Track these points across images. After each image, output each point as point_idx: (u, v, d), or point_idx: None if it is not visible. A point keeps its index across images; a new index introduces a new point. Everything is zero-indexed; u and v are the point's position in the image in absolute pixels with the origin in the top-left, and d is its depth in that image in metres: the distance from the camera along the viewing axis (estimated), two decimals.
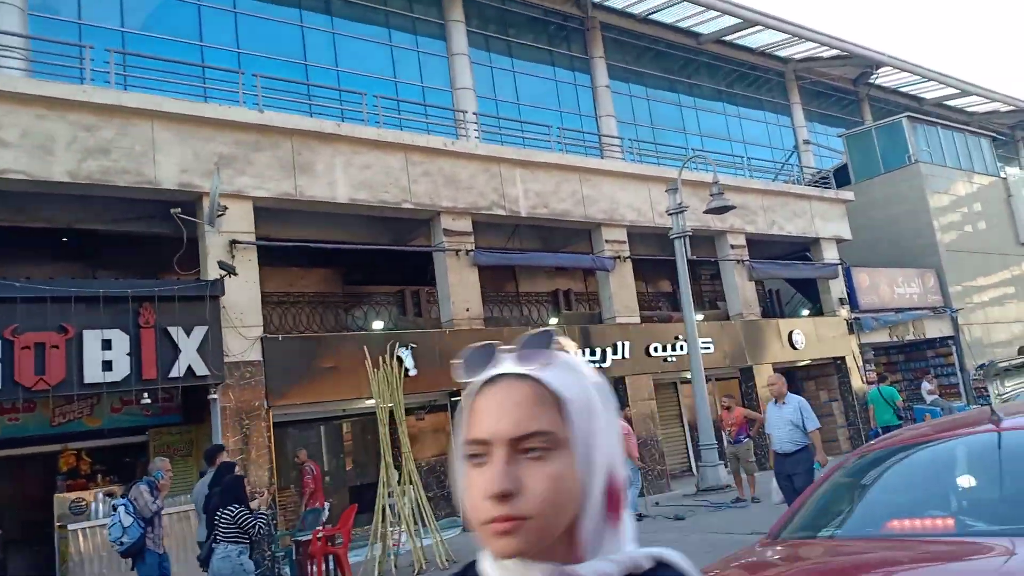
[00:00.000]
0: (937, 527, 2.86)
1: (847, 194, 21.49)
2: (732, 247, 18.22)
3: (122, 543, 7.82)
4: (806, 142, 33.20)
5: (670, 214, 14.80)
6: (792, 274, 20.15)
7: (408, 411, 14.63)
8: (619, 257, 16.02)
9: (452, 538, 12.71)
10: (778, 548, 3.16)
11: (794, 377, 20.99)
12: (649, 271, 19.77)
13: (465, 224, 13.93)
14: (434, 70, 22.01)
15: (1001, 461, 3.03)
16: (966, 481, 3.17)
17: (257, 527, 7.14)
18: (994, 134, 30.63)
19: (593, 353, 14.96)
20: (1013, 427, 3.17)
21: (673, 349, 16.19)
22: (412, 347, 12.60)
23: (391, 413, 10.58)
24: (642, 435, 15.33)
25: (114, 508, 8.09)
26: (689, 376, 18.54)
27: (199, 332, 10.70)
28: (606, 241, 16.06)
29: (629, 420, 12.37)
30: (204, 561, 7.49)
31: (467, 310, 13.59)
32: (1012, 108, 39.20)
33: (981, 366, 9.07)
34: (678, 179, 14.77)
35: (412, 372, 12.50)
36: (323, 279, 14.71)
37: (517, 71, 24.54)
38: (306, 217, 13.66)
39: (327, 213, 13.56)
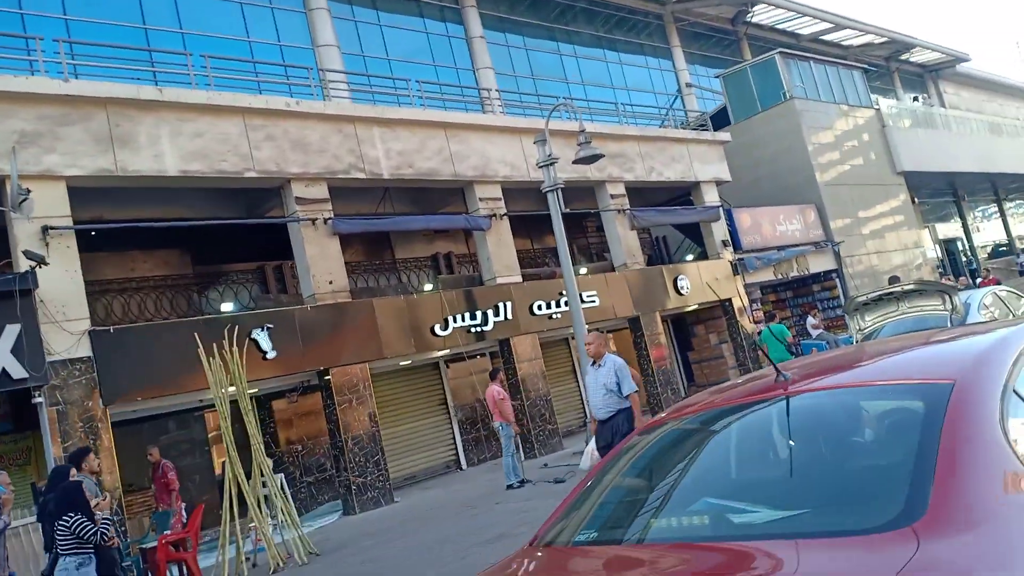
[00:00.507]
0: (698, 527, 2.38)
1: (724, 135, 21.33)
2: (612, 197, 17.79)
3: None
4: (688, 85, 33.12)
5: (540, 167, 14.11)
6: (674, 220, 19.94)
7: (278, 395, 13.78)
8: (495, 215, 15.34)
9: (331, 524, 11.99)
10: (527, 562, 2.61)
11: (684, 322, 20.96)
12: (534, 227, 19.20)
13: (320, 191, 12.95)
14: (292, 27, 20.65)
15: (790, 435, 2.57)
16: (743, 464, 2.69)
17: (99, 535, 6.57)
18: (867, 66, 31.17)
19: (474, 317, 14.32)
20: (803, 390, 2.65)
21: (557, 306, 15.70)
22: (269, 328, 11.66)
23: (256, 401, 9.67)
24: (531, 395, 14.87)
25: None
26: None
27: (12, 331, 9.52)
28: (480, 199, 15.34)
29: (503, 384, 11.81)
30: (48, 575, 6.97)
31: (330, 283, 12.69)
32: (885, 39, 40.09)
33: (850, 300, 8.79)
34: (545, 130, 14.08)
35: (271, 354, 11.60)
36: (169, 261, 13.50)
37: (384, 24, 23.35)
38: (143, 195, 12.45)
39: (169, 189, 12.39)
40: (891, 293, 8.68)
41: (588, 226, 20.21)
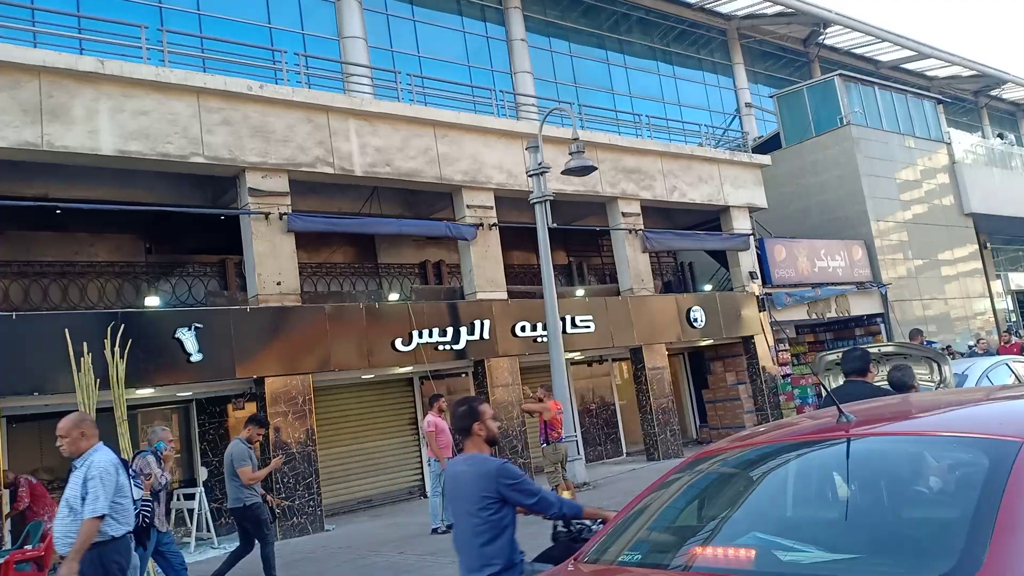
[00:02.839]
0: (744, 560, 2.45)
1: (762, 158, 19.57)
2: (624, 215, 16.32)
3: None
4: (748, 105, 31.30)
5: (530, 175, 12.85)
6: (693, 245, 18.30)
7: (224, 400, 12.78)
8: (482, 224, 14.09)
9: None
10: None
11: (701, 357, 19.28)
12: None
13: (279, 183, 11.93)
14: (317, 16, 19.92)
15: (848, 478, 2.67)
16: (798, 502, 2.77)
17: (141, 515, 6.35)
18: (950, 99, 28.69)
19: (444, 333, 13.08)
20: (866, 434, 2.76)
21: (544, 328, 14.30)
22: (197, 328, 10.66)
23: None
24: (503, 424, 13.52)
25: None
26: (578, 357, 16.81)
27: None
28: (468, 206, 14.11)
29: (443, 413, 10.51)
30: None
31: (278, 284, 11.64)
32: (974, 73, 37.38)
33: (820, 358, 7.22)
34: (539, 136, 12.80)
35: (195, 357, 10.59)
36: (121, 247, 12.69)
37: (419, 20, 22.43)
38: (96, 174, 11.68)
39: (126, 171, 11.59)
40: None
41: (604, 244, 18.73)
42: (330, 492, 12.90)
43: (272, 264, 11.62)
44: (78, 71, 10.29)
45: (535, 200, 12.75)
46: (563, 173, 12.31)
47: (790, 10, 30.09)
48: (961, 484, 2.41)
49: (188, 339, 10.57)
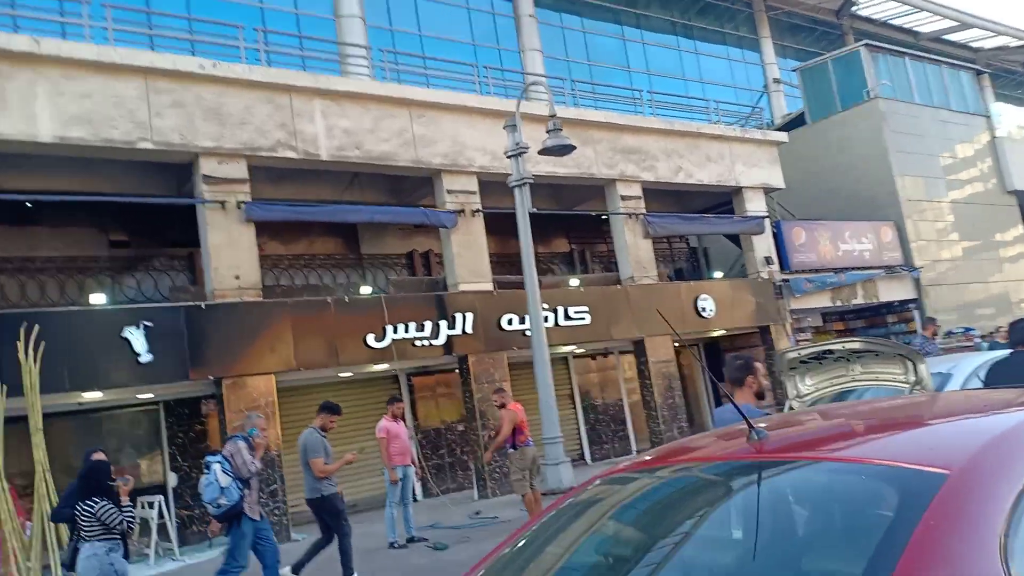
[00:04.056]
0: None
1: (778, 135, 18.31)
2: (623, 198, 15.28)
3: (219, 505, 7.07)
4: (776, 81, 29.84)
5: (508, 156, 11.90)
6: (700, 229, 17.17)
7: (194, 400, 12.13)
8: (462, 211, 13.21)
9: (198, 564, 10.21)
10: None
11: (717, 348, 18.16)
12: (536, 228, 16.87)
13: (236, 169, 11.19)
14: None
15: (743, 513, 2.25)
16: (690, 537, 2.31)
17: (124, 522, 6.28)
18: (990, 70, 26.87)
19: (421, 328, 12.24)
20: (770, 457, 2.29)
21: None
22: (147, 326, 9.98)
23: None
24: (489, 424, 12.64)
25: (207, 466, 7.33)
26: (579, 351, 15.88)
27: None
28: (448, 191, 13.25)
29: (398, 418, 9.64)
30: (69, 564, 6.55)
31: (236, 277, 10.91)
32: (1022, 43, 35.23)
33: (781, 356, 6.21)
34: (516, 113, 11.81)
35: (145, 358, 9.91)
36: (81, 240, 12.08)
37: None
38: (53, 163, 11.05)
39: (83, 159, 10.95)
40: (831, 352, 6.03)
41: (609, 231, 17.67)
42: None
43: (230, 256, 10.89)
44: (11, 51, 9.65)
45: (514, 183, 11.80)
46: (540, 153, 11.34)
47: None
48: (869, 523, 2.01)
49: (136, 338, 9.90)
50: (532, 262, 11.97)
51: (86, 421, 11.27)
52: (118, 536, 6.32)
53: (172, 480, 11.51)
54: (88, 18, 10.75)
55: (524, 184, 11.83)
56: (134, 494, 7.67)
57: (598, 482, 2.79)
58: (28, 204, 11.10)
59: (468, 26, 22.46)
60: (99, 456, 6.88)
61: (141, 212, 12.10)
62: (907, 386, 5.51)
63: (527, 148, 11.77)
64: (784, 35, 31.12)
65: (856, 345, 6.06)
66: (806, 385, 6.62)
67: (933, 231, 20.67)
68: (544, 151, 11.26)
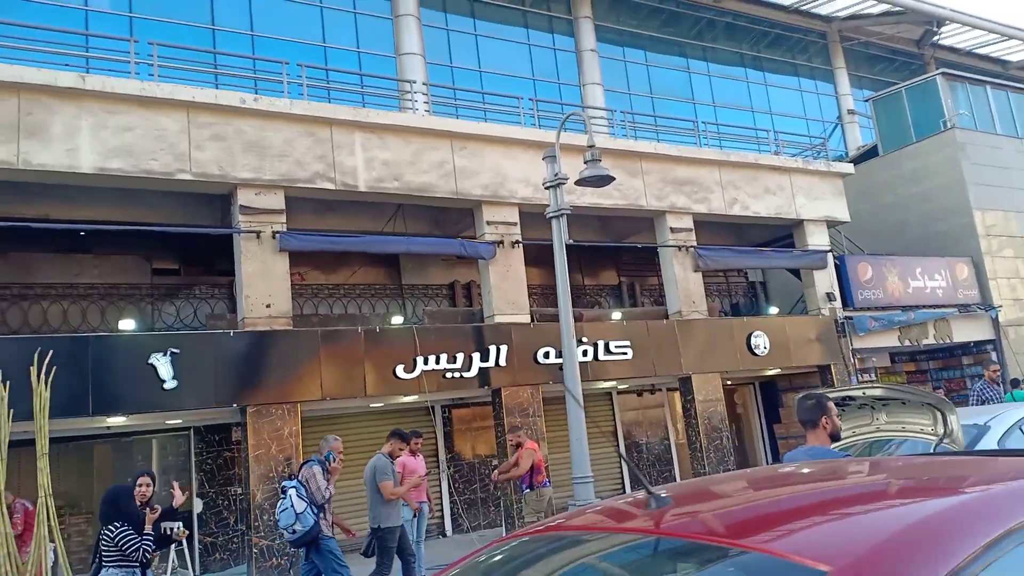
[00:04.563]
0: None
1: (843, 166, 17.54)
2: (672, 230, 14.85)
3: (294, 531, 7.11)
4: (851, 112, 28.84)
5: (547, 187, 11.69)
6: (757, 263, 16.53)
7: (217, 429, 12.24)
8: (501, 242, 13.05)
9: None
10: None
11: (774, 388, 17.39)
12: (586, 260, 16.63)
13: (274, 200, 11.33)
14: (372, 33, 19.56)
15: None
16: None
17: (142, 551, 6.16)
18: None
19: (453, 360, 12.09)
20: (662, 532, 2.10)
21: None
22: (174, 352, 10.13)
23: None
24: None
25: (282, 491, 7.37)
26: (622, 387, 15.44)
27: None
28: (488, 222, 13.13)
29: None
30: None
31: (268, 306, 11.00)
32: None
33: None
34: (556, 144, 11.60)
35: (170, 384, 10.05)
36: (125, 268, 12.43)
37: (480, 33, 21.76)
38: (96, 194, 11.44)
39: (125, 190, 11.29)
40: (853, 398, 5.53)
41: (659, 264, 17.23)
42: None
43: (262, 285, 11.00)
44: (57, 87, 10.04)
45: (551, 214, 11.57)
46: (577, 184, 11.07)
47: (897, 8, 27.56)
48: None
49: (163, 365, 10.04)
50: (567, 294, 11.62)
51: (117, 445, 11.51)
52: (136, 564, 6.21)
53: (198, 506, 11.61)
54: (135, 56, 11.11)
55: (561, 215, 11.58)
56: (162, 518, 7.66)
57: (493, 547, 2.61)
58: (82, 232, 11.53)
59: (528, 61, 22.53)
60: (145, 479, 6.92)
61: (187, 241, 12.39)
62: (934, 439, 5.01)
63: (566, 179, 11.53)
64: (861, 66, 30.13)
65: (878, 392, 5.61)
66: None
67: (1015, 268, 19.41)
68: (581, 182, 11.00)
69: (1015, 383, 13.97)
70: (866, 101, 23.50)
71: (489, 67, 21.49)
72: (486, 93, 17.30)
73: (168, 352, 10.08)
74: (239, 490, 11.98)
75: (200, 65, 13.11)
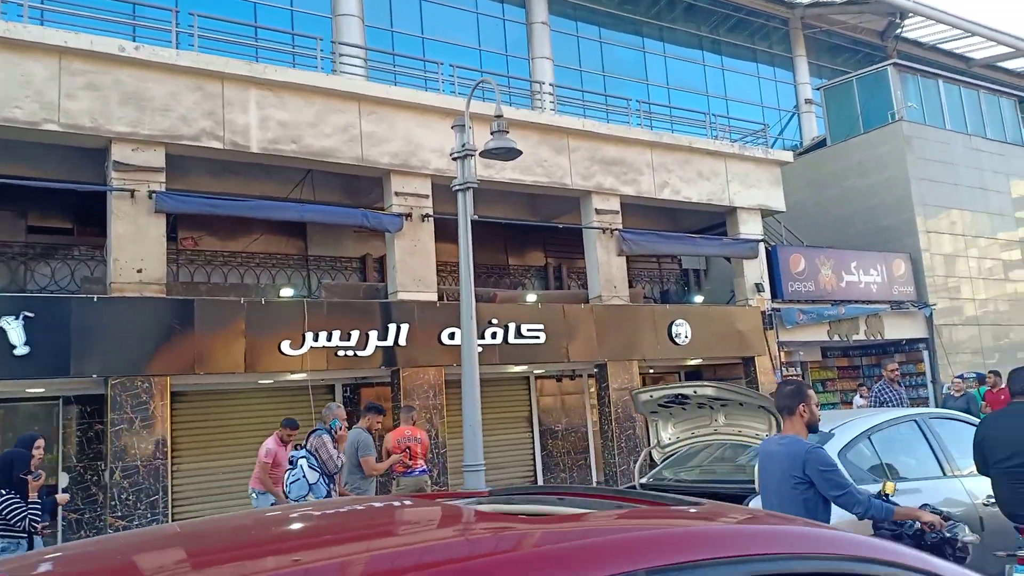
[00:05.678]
0: None
1: (782, 154, 17.03)
2: (598, 212, 14.24)
3: (308, 502, 6.84)
4: (808, 101, 28.37)
5: (454, 158, 10.99)
6: (685, 250, 16.00)
7: (91, 399, 11.46)
8: (409, 215, 12.35)
9: None
10: None
11: (698, 379, 16.89)
12: (513, 237, 15.98)
13: (153, 157, 10.51)
14: None
15: None
16: None
17: (28, 519, 5.91)
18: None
19: (346, 337, 11.39)
20: None
21: (482, 337, 12.41)
22: (27, 317, 9.34)
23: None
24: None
25: (291, 462, 7.28)
26: (540, 372, 14.87)
27: None
28: (396, 193, 12.41)
29: (283, 440, 8.77)
30: None
31: (139, 271, 10.21)
32: None
33: (635, 396, 5.21)
34: (466, 112, 10.88)
35: (21, 350, 9.27)
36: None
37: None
38: None
39: (8, 141, 10.40)
40: (686, 397, 4.99)
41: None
42: (191, 514, 11.35)
43: (134, 248, 10.20)
44: None
45: (457, 187, 10.88)
46: (481, 156, 10.39)
47: None
48: None
49: (14, 329, 9.25)
50: (470, 271, 10.92)
51: None
52: (24, 534, 5.97)
53: (63, 480, 10.85)
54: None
55: (468, 188, 10.89)
56: None
57: None
58: None
59: (475, 30, 21.73)
60: (40, 442, 6.71)
61: (80, 199, 11.53)
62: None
63: (474, 151, 10.85)
64: (822, 55, 29.65)
65: (710, 391, 5.06)
66: (668, 433, 5.62)
67: (954, 266, 19.10)
68: (485, 153, 10.32)
69: (981, 379, 13.48)
70: (817, 90, 23.01)
71: (433, 35, 20.65)
72: (397, 55, 16.48)
73: (21, 315, 9.29)
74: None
75: (80, 9, 12.18)
